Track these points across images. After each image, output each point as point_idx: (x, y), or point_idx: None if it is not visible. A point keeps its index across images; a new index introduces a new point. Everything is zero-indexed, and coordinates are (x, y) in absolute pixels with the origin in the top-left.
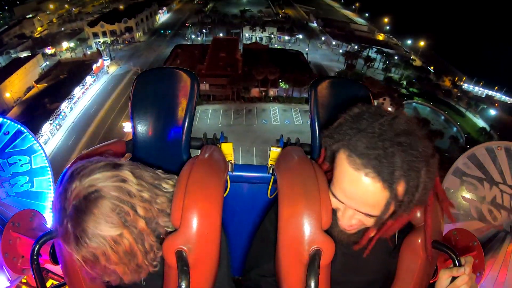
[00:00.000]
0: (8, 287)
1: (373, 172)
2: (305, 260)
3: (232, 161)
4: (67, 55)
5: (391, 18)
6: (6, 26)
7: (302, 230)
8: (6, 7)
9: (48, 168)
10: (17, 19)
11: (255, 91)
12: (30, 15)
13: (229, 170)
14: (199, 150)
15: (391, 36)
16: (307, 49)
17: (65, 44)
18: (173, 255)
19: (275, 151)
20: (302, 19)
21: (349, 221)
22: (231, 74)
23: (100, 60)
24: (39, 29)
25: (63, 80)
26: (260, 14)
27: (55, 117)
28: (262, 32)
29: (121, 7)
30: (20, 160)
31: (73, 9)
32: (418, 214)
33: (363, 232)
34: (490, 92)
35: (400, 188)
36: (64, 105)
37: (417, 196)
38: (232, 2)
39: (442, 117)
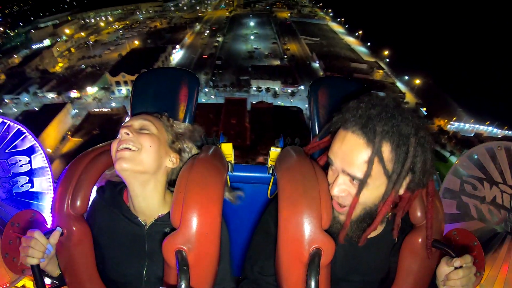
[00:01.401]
0: (8, 287)
1: (358, 130)
2: (305, 259)
3: (232, 161)
4: (92, 101)
5: (391, 51)
6: (26, 52)
7: (302, 229)
8: (21, 24)
9: (48, 168)
10: (36, 49)
11: (260, 158)
12: (48, 42)
13: (229, 170)
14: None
15: (388, 73)
16: (306, 105)
17: (89, 89)
18: (172, 254)
19: (274, 152)
20: (305, 57)
21: (339, 189)
22: (240, 145)
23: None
24: (60, 64)
25: (96, 136)
26: (267, 54)
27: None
28: (267, 90)
29: (137, 42)
30: (20, 160)
31: (90, 42)
32: (418, 214)
33: (355, 226)
34: (481, 128)
35: (385, 149)
36: None
37: (407, 167)
38: (241, 36)
39: None
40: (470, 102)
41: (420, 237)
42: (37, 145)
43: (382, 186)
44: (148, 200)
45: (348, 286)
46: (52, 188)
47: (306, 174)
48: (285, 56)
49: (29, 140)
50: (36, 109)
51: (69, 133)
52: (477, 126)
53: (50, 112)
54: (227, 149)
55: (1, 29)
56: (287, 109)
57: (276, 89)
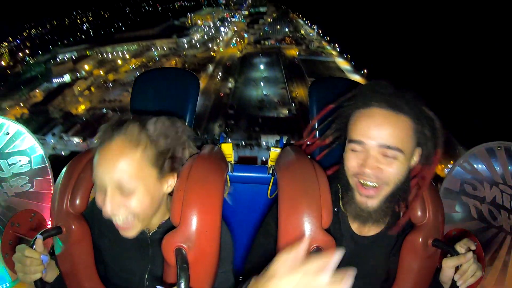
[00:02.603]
0: (8, 287)
1: (384, 105)
2: None
3: (232, 162)
4: None
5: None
6: (47, 86)
7: (303, 229)
8: (40, 52)
9: (48, 169)
10: (58, 85)
11: None
12: (69, 78)
13: (229, 170)
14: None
15: None
16: None
17: None
18: (172, 252)
19: (275, 152)
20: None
21: (373, 165)
22: None
23: None
24: (82, 106)
25: None
26: (276, 102)
27: None
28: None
29: None
30: (20, 160)
31: (110, 85)
32: (419, 213)
33: (384, 207)
34: None
35: (411, 118)
36: None
37: (434, 129)
38: (251, 80)
39: None
40: (473, 138)
41: (421, 236)
42: (37, 145)
43: (414, 156)
44: (153, 220)
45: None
46: (52, 188)
47: (306, 174)
48: (293, 104)
49: (29, 140)
50: (63, 154)
51: None
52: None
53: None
54: (227, 149)
55: (21, 54)
56: None
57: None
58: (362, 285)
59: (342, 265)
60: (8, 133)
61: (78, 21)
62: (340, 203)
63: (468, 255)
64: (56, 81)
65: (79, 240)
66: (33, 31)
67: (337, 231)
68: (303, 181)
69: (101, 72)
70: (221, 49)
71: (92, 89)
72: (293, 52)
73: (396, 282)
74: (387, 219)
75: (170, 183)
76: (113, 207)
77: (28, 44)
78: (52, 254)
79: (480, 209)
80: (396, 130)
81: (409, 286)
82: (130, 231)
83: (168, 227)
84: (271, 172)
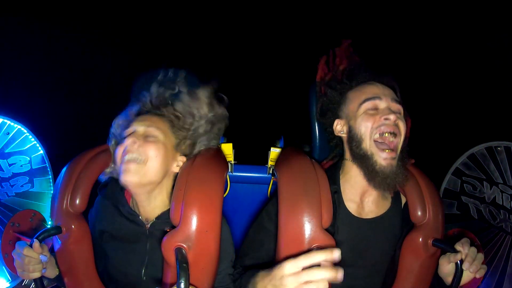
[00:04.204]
0: None
1: (378, 80)
2: None
3: (232, 162)
4: None
5: None
6: None
7: (303, 228)
8: None
9: (48, 168)
10: None
11: None
12: None
13: (229, 170)
14: None
15: None
16: None
17: None
18: (172, 252)
19: (275, 152)
20: None
21: (394, 107)
22: None
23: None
24: None
25: None
26: None
27: None
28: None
29: None
30: (20, 160)
31: None
32: (419, 213)
33: (401, 165)
34: None
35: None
36: None
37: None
38: None
39: None
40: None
41: (421, 236)
42: (37, 145)
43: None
44: (152, 204)
45: (354, 271)
46: (52, 188)
47: (306, 173)
48: None
49: (29, 140)
50: None
51: None
52: None
53: None
54: (227, 149)
55: None
56: None
57: None
58: (367, 271)
59: (348, 249)
60: (8, 133)
61: None
62: (340, 182)
63: (465, 249)
64: None
65: (79, 239)
66: None
67: (335, 214)
68: (303, 181)
69: None
70: None
71: None
72: None
73: (397, 281)
74: (390, 200)
75: (180, 163)
76: (133, 144)
77: None
78: (52, 252)
79: (480, 209)
80: (394, 94)
81: (409, 286)
82: (131, 174)
83: (166, 219)
84: (271, 172)
